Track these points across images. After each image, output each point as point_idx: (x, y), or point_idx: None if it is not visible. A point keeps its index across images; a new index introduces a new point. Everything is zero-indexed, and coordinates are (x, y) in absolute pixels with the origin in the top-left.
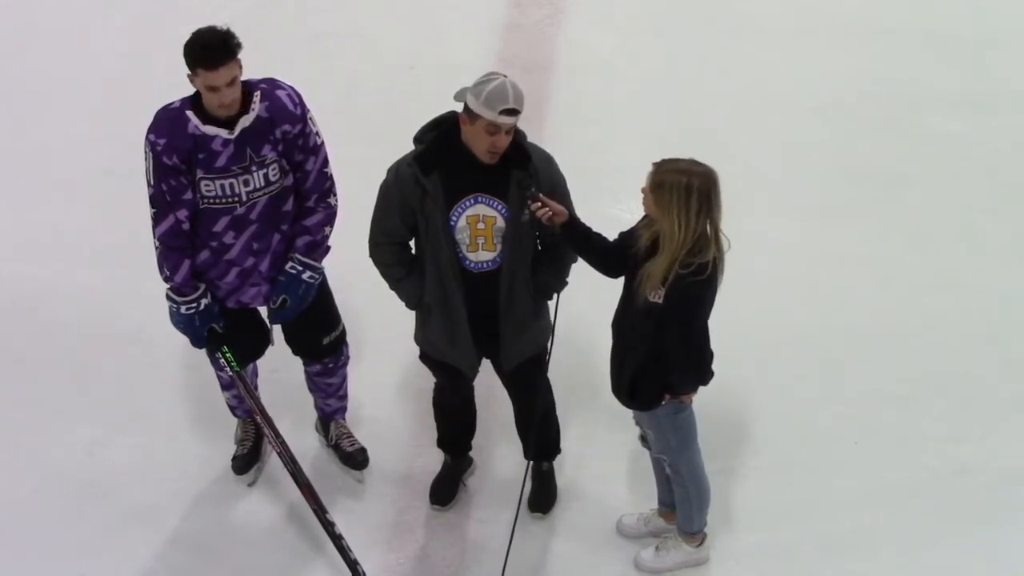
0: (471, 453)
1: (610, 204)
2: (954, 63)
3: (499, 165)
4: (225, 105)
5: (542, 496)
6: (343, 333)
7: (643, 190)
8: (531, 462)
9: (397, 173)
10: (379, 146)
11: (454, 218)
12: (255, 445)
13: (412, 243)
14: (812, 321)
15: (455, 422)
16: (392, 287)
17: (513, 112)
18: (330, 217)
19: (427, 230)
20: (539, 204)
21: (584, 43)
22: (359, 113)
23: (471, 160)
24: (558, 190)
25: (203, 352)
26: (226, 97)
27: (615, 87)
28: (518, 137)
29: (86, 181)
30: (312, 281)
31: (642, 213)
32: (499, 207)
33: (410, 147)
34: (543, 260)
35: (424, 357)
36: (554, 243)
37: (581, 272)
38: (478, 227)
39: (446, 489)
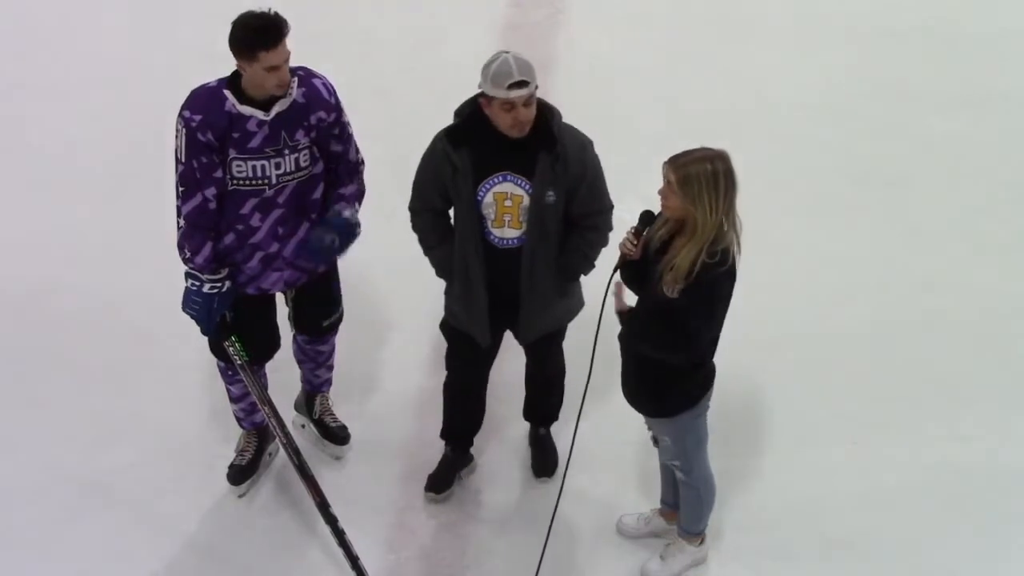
0: (471, 456)
1: None
2: (954, 63)
3: (528, 145)
4: (284, 83)
5: (543, 461)
6: (341, 315)
7: (662, 190)
8: (529, 429)
9: (433, 146)
10: (379, 146)
11: (481, 193)
12: (254, 458)
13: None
14: (812, 321)
15: (462, 409)
16: (425, 252)
17: (522, 84)
18: (361, 193)
19: (456, 202)
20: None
21: (584, 43)
22: (359, 113)
23: (501, 138)
24: (588, 175)
25: (202, 353)
26: (284, 74)
27: (615, 87)
28: (551, 120)
29: (86, 181)
30: (355, 223)
31: (640, 212)
32: (526, 186)
33: (412, 145)
34: (570, 242)
35: (444, 326)
36: (583, 226)
37: (589, 273)
38: (505, 204)
39: (442, 479)
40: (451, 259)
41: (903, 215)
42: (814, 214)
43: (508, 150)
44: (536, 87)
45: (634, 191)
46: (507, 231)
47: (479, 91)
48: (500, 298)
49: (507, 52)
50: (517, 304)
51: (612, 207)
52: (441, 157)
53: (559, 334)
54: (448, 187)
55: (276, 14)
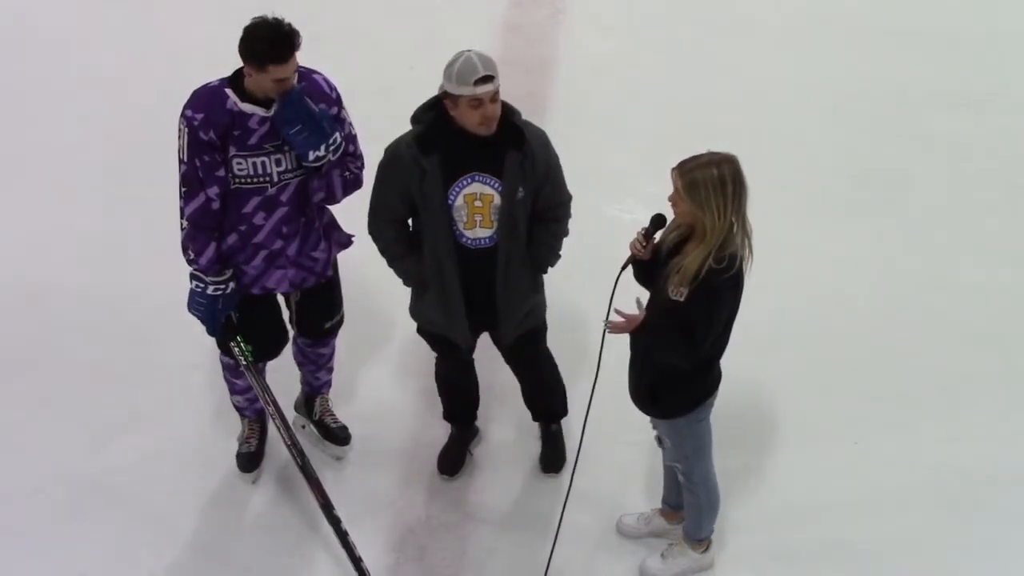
0: (477, 429)
1: (610, 204)
2: (954, 63)
3: (495, 144)
4: (287, 92)
5: (552, 457)
6: (342, 318)
7: (672, 196)
8: (540, 424)
9: (395, 154)
10: (379, 146)
11: (452, 196)
12: (260, 444)
13: (411, 221)
14: (812, 321)
15: (457, 395)
16: (389, 264)
17: (487, 79)
18: (357, 180)
19: (425, 208)
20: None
21: (584, 43)
22: (359, 113)
23: (468, 139)
24: (552, 171)
25: (202, 353)
26: (290, 84)
27: (615, 87)
28: (513, 117)
29: (86, 181)
30: (334, 132)
31: (640, 212)
32: (495, 185)
33: None
34: (536, 235)
35: (421, 331)
36: (546, 219)
37: (586, 272)
38: (476, 205)
39: (453, 458)
40: (419, 268)
41: (903, 215)
42: (814, 214)
43: (474, 150)
44: (499, 84)
45: (633, 191)
46: (479, 231)
47: (440, 93)
48: (474, 300)
49: (469, 50)
50: (491, 304)
51: (571, 197)
52: (409, 163)
53: (540, 335)
54: (415, 194)
55: (289, 27)
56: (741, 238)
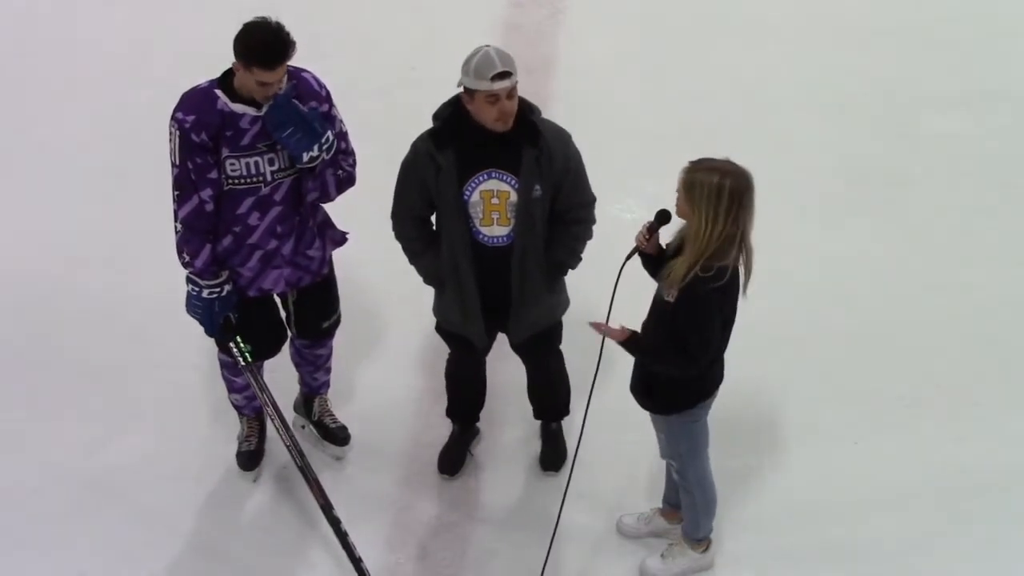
0: (478, 429)
1: (610, 204)
2: (954, 63)
3: (511, 141)
4: (269, 97)
5: (551, 455)
6: (339, 317)
7: (677, 191)
8: (540, 422)
9: (414, 150)
10: (378, 146)
11: (467, 192)
12: (260, 442)
13: (433, 218)
14: (812, 321)
15: (465, 394)
16: (411, 261)
17: (504, 75)
18: (351, 177)
19: (441, 204)
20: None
21: (584, 43)
22: (359, 113)
23: (484, 136)
24: (572, 168)
25: (202, 353)
26: (271, 91)
27: (615, 87)
28: (530, 114)
29: (86, 181)
30: (326, 132)
31: (641, 212)
32: (512, 182)
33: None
34: (556, 236)
35: (439, 329)
36: (568, 220)
37: (586, 271)
38: (492, 202)
39: (453, 458)
40: (437, 265)
41: (903, 215)
42: (813, 214)
43: (491, 147)
44: (517, 80)
45: (634, 191)
46: (496, 229)
47: (459, 90)
48: (490, 299)
49: (487, 46)
50: (506, 303)
51: (595, 199)
52: (425, 159)
53: (554, 336)
54: (431, 189)
55: (287, 36)
56: (738, 255)
